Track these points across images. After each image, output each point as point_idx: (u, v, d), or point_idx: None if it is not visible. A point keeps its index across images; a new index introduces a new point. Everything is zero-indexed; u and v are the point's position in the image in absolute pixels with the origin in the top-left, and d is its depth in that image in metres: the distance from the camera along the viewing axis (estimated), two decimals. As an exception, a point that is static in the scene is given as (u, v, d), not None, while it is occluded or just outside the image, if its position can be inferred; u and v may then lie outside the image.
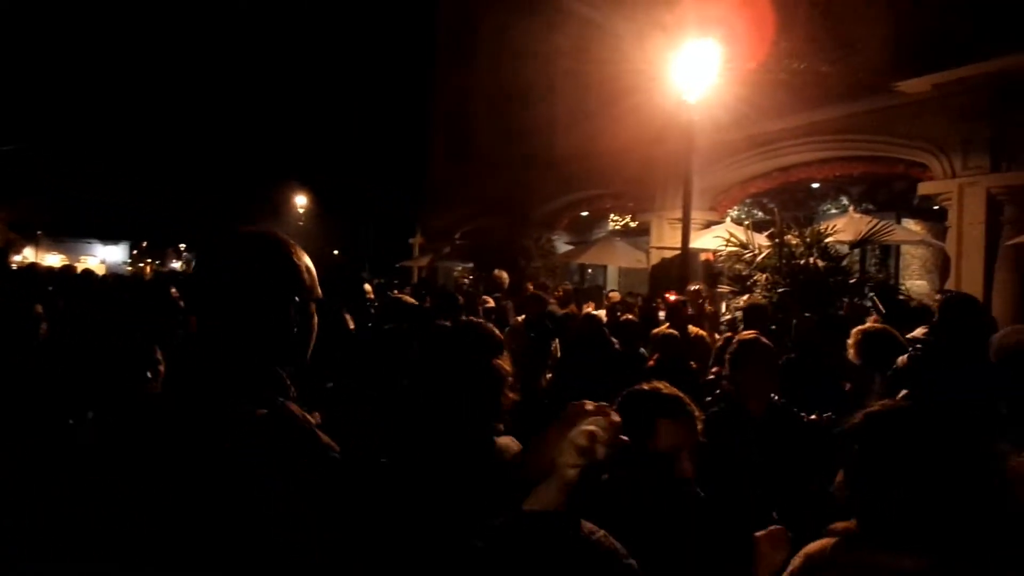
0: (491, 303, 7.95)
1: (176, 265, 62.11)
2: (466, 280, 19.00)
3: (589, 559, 1.23)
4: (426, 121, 28.72)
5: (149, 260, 65.14)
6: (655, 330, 6.95)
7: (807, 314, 7.10)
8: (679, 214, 10.90)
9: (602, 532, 1.36)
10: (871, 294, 8.85)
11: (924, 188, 10.83)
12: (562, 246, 20.01)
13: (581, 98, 17.52)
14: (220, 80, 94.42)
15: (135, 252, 69.05)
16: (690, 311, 7.52)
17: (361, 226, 36.92)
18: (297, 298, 1.50)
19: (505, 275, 7.33)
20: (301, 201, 36.95)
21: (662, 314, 7.82)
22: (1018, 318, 8.82)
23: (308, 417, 1.42)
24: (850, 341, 4.20)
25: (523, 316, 6.98)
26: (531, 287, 9.05)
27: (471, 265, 19.83)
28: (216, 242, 1.51)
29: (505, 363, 2.24)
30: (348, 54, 67.45)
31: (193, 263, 1.57)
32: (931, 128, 10.36)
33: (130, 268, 52.71)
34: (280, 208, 37.13)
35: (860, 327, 4.21)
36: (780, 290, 8.15)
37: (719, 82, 10.17)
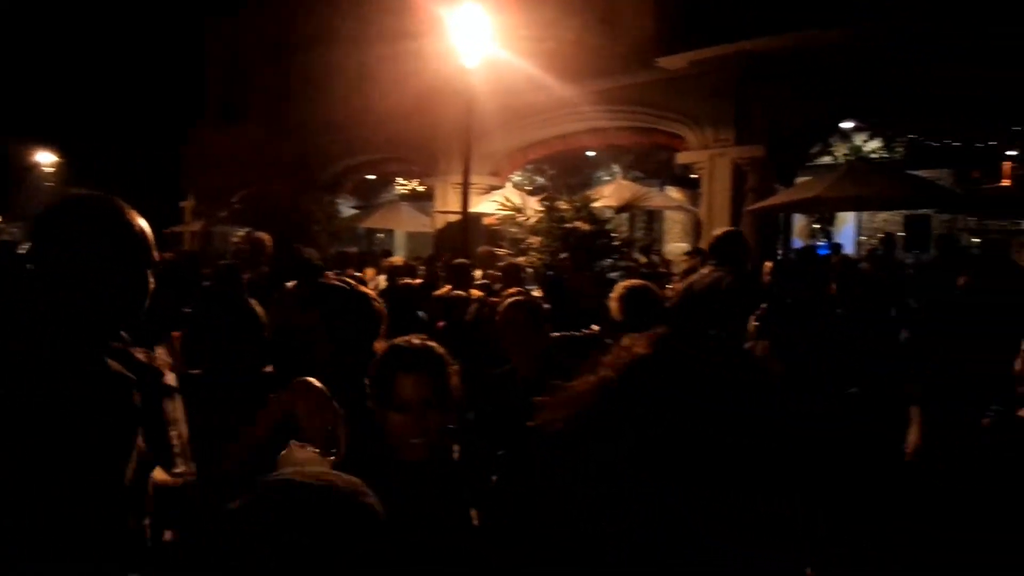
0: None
1: None
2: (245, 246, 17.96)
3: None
4: (197, 76, 26.54)
5: None
6: (437, 292, 6.98)
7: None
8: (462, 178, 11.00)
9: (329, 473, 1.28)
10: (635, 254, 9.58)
11: (681, 158, 11.76)
12: (348, 211, 19.52)
13: (363, 59, 17.03)
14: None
15: None
16: (482, 273, 7.62)
17: (120, 187, 33.50)
18: (131, 260, 1.57)
19: (268, 238, 6.94)
20: (47, 159, 32.92)
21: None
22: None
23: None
24: (613, 296, 4.26)
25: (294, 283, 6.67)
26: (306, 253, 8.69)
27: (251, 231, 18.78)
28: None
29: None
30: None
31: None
32: (687, 102, 11.23)
33: None
34: (16, 167, 32.75)
35: (623, 283, 4.29)
36: (562, 256, 8.48)
37: (496, 49, 10.30)
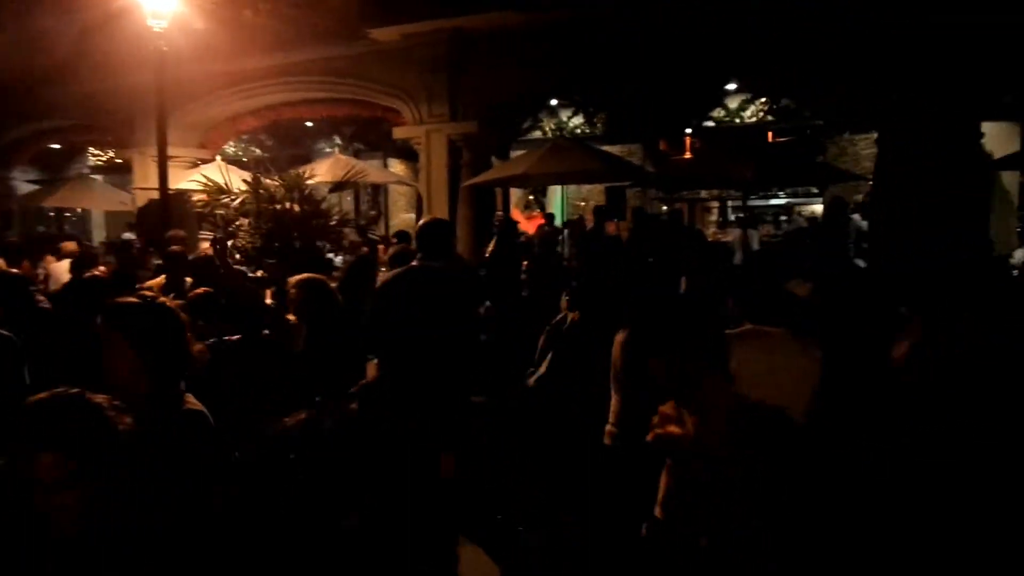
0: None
1: None
2: None
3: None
4: None
5: None
6: (150, 282, 6.33)
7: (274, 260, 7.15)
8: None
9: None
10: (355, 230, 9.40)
11: (398, 132, 11.73)
12: (26, 187, 16.98)
13: (39, 11, 14.72)
14: None
15: None
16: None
17: None
18: None
19: None
20: None
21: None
22: (476, 248, 10.18)
23: None
24: (291, 284, 4.09)
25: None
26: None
27: None
28: None
29: None
30: None
31: None
32: (401, 76, 11.17)
33: None
34: None
35: (298, 276, 4.13)
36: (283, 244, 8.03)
37: (188, 12, 9.44)
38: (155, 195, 12.80)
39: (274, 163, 9.47)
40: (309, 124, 16.15)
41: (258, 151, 17.29)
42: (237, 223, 8.33)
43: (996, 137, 10.71)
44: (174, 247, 6.99)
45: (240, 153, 17.85)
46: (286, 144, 16.91)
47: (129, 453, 1.77)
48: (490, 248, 9.01)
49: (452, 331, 4.19)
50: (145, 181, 13.41)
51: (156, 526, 1.88)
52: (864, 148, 13.75)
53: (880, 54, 8.43)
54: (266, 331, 3.87)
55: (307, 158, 15.14)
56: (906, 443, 2.10)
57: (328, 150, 16.49)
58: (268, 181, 8.36)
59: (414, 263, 4.58)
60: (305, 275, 4.10)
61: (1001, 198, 12.45)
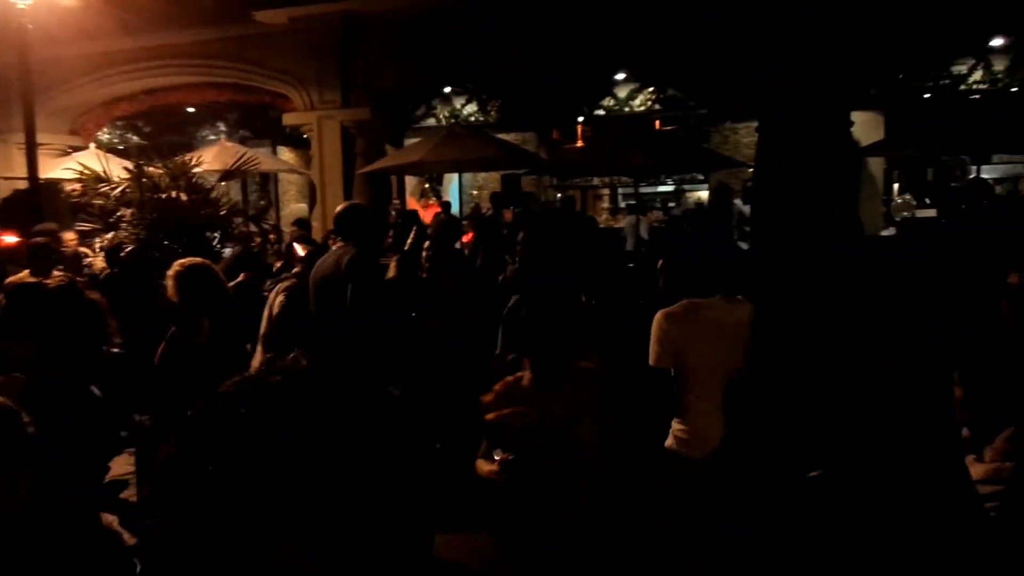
0: None
1: None
2: None
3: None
4: None
5: None
6: (9, 279, 5.88)
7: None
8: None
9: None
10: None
11: (287, 119, 11.38)
12: None
13: None
14: None
15: None
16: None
17: None
18: None
19: None
20: None
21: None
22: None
23: None
24: (169, 274, 3.90)
25: None
26: None
27: None
28: None
29: None
30: None
31: None
32: (290, 61, 10.84)
33: None
34: None
35: (180, 260, 3.94)
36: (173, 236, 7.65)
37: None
38: (21, 184, 11.97)
39: (155, 151, 8.99)
40: (191, 110, 15.41)
41: (136, 138, 16.37)
42: (119, 214, 7.90)
43: (863, 126, 11.46)
44: (38, 239, 6.53)
45: (116, 141, 16.86)
46: (166, 131, 16.06)
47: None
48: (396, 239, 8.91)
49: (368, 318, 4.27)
50: (9, 170, 12.46)
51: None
52: (745, 136, 14.40)
53: (758, 48, 8.86)
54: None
55: (189, 146, 14.46)
56: (883, 427, 2.23)
57: (212, 137, 15.81)
58: (151, 169, 7.97)
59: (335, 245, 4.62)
60: (187, 260, 3.91)
61: (868, 183, 13.37)
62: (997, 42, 10.87)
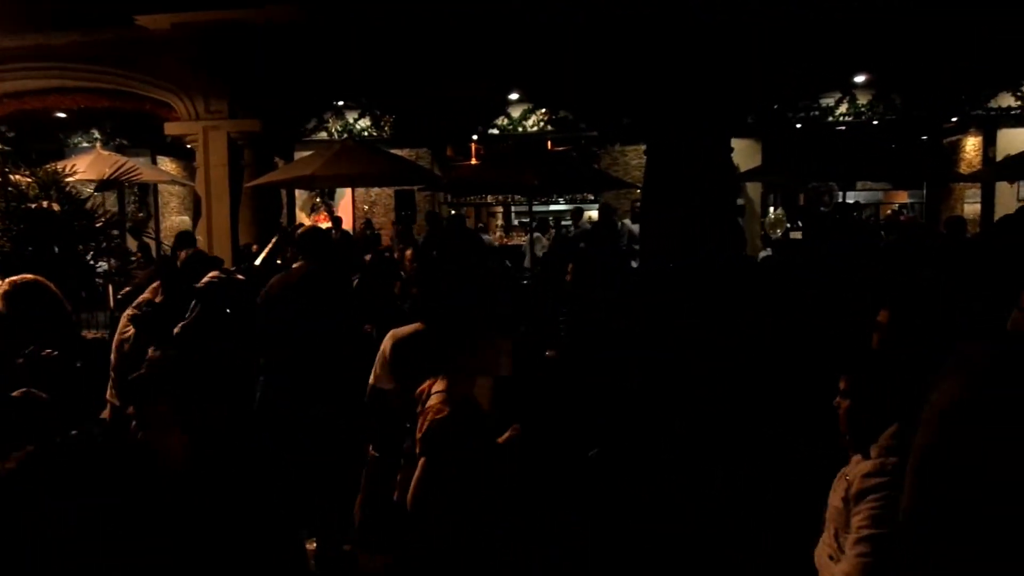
0: None
1: None
2: None
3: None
4: None
5: None
6: None
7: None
8: None
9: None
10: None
11: (170, 128, 10.90)
12: None
13: None
14: None
15: None
16: None
17: None
18: None
19: None
20: None
21: None
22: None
23: None
24: None
25: None
26: None
27: None
28: None
29: None
30: None
31: None
32: (173, 69, 10.41)
33: None
34: None
35: (10, 278, 3.63)
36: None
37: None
38: None
39: (21, 158, 8.38)
40: (62, 115, 14.48)
41: (-1, 144, 15.22)
42: (-18, 223, 7.32)
43: (742, 152, 12.11)
44: None
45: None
46: (33, 137, 15.02)
47: None
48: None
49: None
50: None
51: None
52: (633, 159, 14.92)
53: (645, 76, 9.24)
54: None
55: (60, 154, 13.60)
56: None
57: (86, 145, 14.92)
58: (18, 177, 7.44)
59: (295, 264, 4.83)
60: (21, 276, 3.57)
61: (747, 205, 14.11)
62: (860, 78, 11.74)
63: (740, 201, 13.24)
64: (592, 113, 13.40)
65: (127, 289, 6.47)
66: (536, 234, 11.97)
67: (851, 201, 13.29)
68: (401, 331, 3.72)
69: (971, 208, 13.03)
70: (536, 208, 15.43)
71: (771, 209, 15.35)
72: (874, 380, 2.31)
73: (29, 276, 3.53)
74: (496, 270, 7.07)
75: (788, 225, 13.81)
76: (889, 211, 16.05)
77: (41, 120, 14.38)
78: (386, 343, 3.72)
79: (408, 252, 7.73)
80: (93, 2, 9.62)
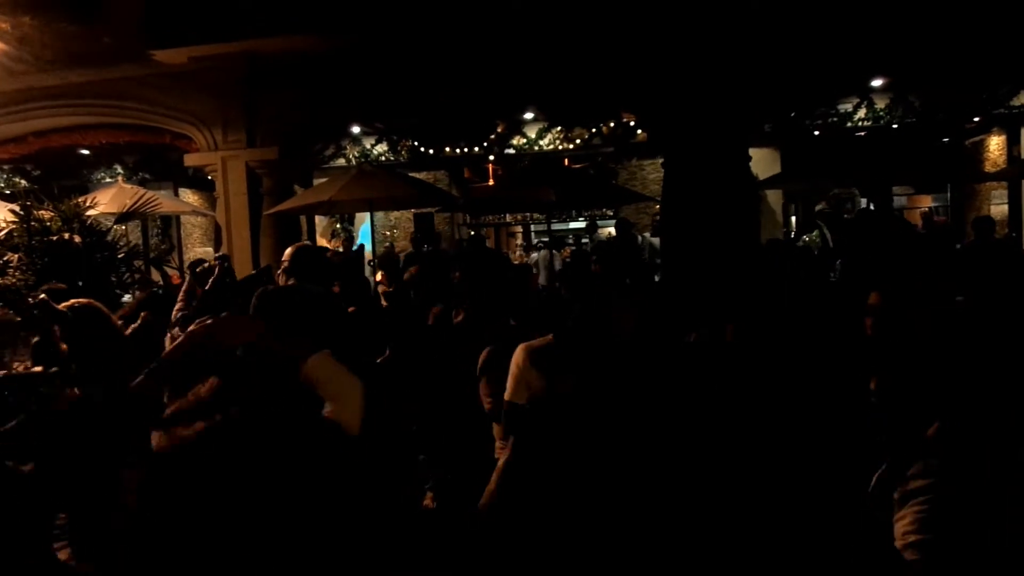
0: None
1: None
2: None
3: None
4: None
5: None
6: None
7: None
8: None
9: None
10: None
11: (190, 160, 11.04)
12: None
13: None
14: None
15: None
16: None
17: None
18: None
19: None
20: None
21: None
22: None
23: None
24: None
25: None
26: None
27: None
28: None
29: None
30: None
31: None
32: (192, 100, 10.55)
33: None
34: None
35: (65, 304, 3.72)
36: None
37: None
38: None
39: (46, 195, 8.51)
40: (85, 152, 14.76)
41: (24, 182, 15.52)
42: (6, 258, 7.41)
43: (761, 161, 12.00)
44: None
45: (2, 185, 16.00)
46: (58, 175, 15.30)
47: None
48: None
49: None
50: None
51: None
52: (651, 172, 14.85)
53: (660, 89, 9.20)
54: None
55: (84, 189, 13.83)
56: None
57: (109, 180, 15.18)
58: (41, 212, 7.54)
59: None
60: (74, 300, 3.64)
61: (767, 214, 13.96)
62: (877, 82, 11.62)
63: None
64: (607, 129, 13.43)
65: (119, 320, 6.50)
66: (554, 251, 11.92)
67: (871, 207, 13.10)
68: (533, 344, 3.64)
69: (998, 209, 12.79)
70: (556, 226, 15.41)
71: (792, 220, 15.19)
72: (914, 380, 2.23)
73: (83, 300, 3.60)
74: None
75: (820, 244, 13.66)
76: (920, 214, 15.80)
77: (65, 157, 14.66)
78: (518, 356, 3.63)
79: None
80: (111, 41, 9.77)
